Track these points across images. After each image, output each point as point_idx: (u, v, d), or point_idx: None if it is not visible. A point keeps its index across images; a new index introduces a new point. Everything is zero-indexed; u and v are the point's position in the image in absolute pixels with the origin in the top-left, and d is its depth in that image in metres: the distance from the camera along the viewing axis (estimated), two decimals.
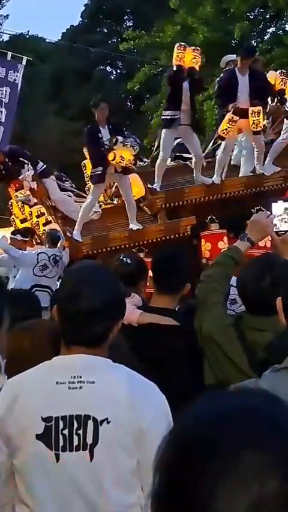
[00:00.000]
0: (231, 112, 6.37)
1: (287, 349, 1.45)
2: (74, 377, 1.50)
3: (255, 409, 0.62)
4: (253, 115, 6.50)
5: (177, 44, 6.65)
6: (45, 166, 7.43)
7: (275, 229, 2.71)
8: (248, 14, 11.74)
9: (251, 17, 12.07)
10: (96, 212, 7.20)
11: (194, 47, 6.78)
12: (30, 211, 7.47)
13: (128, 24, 18.66)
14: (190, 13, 11.84)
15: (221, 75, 7.30)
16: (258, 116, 6.57)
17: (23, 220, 7.80)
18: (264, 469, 0.55)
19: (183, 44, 6.64)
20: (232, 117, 6.36)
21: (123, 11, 20.28)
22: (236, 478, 0.54)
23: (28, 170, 7.38)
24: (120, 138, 6.22)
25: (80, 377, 1.49)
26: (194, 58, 6.47)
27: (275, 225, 2.78)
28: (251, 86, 6.51)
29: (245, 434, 0.57)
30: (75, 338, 1.55)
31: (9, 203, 8.20)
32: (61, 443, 1.45)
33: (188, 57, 6.46)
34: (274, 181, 7.18)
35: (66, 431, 1.46)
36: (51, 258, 6.18)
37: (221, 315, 2.30)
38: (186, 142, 6.86)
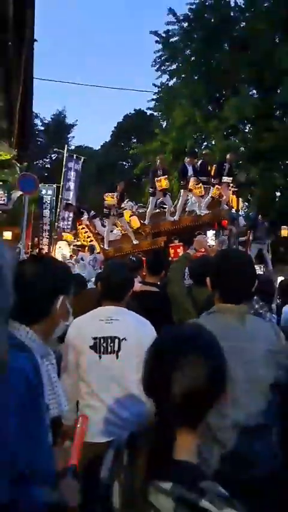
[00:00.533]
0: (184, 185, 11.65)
1: (212, 302, 2.20)
2: (108, 317, 2.66)
3: (192, 333, 1.20)
4: (195, 187, 11.37)
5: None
6: (94, 213, 14.31)
7: (208, 244, 4.57)
8: (193, 135, 20.64)
9: (195, 137, 20.96)
10: (117, 235, 13.21)
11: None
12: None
13: (133, 141, 29.08)
14: (165, 136, 21.02)
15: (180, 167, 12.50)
16: (199, 187, 11.38)
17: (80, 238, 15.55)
18: (196, 363, 1.11)
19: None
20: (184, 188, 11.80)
21: (131, 134, 37.36)
22: (182, 365, 1.09)
23: (85, 215, 14.39)
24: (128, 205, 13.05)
25: (111, 317, 2.66)
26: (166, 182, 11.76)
27: (207, 241, 4.75)
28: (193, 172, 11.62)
29: (187, 345, 1.14)
30: (109, 298, 2.74)
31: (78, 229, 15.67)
32: (102, 350, 2.60)
33: (163, 183, 11.61)
34: (206, 218, 11.64)
35: (104, 344, 2.60)
36: (93, 259, 11.89)
37: (180, 286, 3.68)
38: (164, 201, 12.49)
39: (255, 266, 3.74)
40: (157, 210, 12.94)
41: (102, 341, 2.61)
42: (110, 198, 11.86)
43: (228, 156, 12.03)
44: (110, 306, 2.72)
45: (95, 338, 2.62)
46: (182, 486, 1.01)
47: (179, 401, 1.08)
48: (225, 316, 2.09)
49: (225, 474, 1.90)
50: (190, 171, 11.74)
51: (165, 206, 12.58)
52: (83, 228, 14.62)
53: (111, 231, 13.09)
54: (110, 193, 11.96)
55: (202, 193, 11.65)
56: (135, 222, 12.86)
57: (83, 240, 14.71)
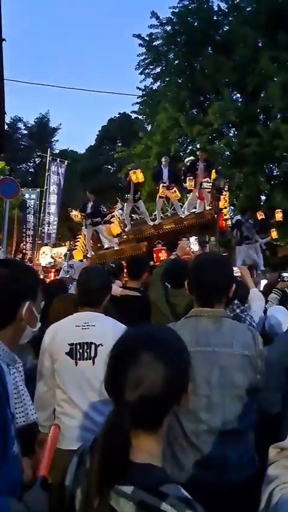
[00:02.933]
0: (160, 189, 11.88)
1: (191, 307, 2.20)
2: (85, 323, 2.63)
3: (152, 334, 1.20)
4: (170, 191, 11.81)
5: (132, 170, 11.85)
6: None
7: (191, 249, 5.18)
8: (178, 139, 20.70)
9: (180, 141, 21.03)
10: (116, 243, 12.82)
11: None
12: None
13: (118, 144, 29.21)
14: (149, 139, 21.01)
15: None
16: (174, 192, 11.90)
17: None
18: (152, 364, 1.08)
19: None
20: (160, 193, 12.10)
21: (116, 138, 37.09)
22: (137, 366, 1.08)
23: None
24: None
25: (88, 323, 2.62)
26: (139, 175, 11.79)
27: (190, 247, 5.18)
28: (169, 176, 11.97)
29: (146, 344, 1.13)
30: (86, 303, 2.72)
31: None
32: (78, 356, 2.58)
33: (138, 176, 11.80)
34: (190, 221, 12.25)
35: (80, 350, 2.58)
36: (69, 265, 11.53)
37: (159, 289, 3.68)
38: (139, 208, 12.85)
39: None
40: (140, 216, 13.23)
41: (78, 347, 2.58)
42: (76, 217, 12.42)
43: (199, 154, 12.23)
44: (87, 311, 2.70)
45: (71, 344, 2.59)
46: (143, 490, 0.99)
47: (133, 402, 1.05)
48: (202, 320, 2.08)
49: (201, 479, 1.89)
50: (165, 175, 11.90)
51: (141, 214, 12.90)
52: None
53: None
54: (74, 212, 12.44)
55: (178, 197, 11.88)
56: (116, 229, 12.96)
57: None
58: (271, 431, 2.41)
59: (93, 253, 12.76)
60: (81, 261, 12.49)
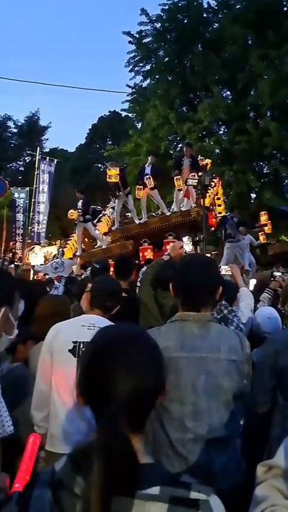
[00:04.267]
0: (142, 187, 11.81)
1: (176, 309, 2.14)
2: (91, 323, 2.65)
3: (127, 333, 1.12)
4: (146, 188, 11.70)
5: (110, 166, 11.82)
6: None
7: (183, 249, 4.20)
8: (168, 137, 20.64)
9: (170, 138, 20.97)
10: (109, 241, 12.81)
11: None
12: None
13: (108, 143, 28.96)
14: (139, 137, 20.93)
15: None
16: (150, 184, 11.55)
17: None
18: (139, 361, 1.03)
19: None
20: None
21: (106, 136, 37.45)
22: (129, 355, 1.03)
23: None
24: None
25: (94, 324, 2.63)
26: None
27: (183, 247, 4.25)
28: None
29: (121, 346, 1.06)
30: (98, 307, 2.80)
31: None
32: (80, 354, 2.56)
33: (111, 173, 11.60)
34: (175, 219, 12.06)
35: (83, 349, 2.54)
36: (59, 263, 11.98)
37: (149, 290, 3.62)
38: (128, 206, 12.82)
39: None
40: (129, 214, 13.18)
41: (81, 345, 2.57)
42: (72, 214, 12.22)
43: (184, 149, 12.02)
44: (95, 314, 2.74)
45: (75, 342, 2.59)
46: (168, 486, 0.96)
47: (126, 399, 0.99)
48: (187, 324, 2.02)
49: None
50: (147, 172, 11.74)
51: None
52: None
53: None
54: (72, 210, 12.28)
55: (152, 186, 11.56)
56: (103, 227, 12.92)
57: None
58: (258, 436, 2.38)
59: (82, 251, 12.64)
60: (71, 259, 12.46)
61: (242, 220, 11.88)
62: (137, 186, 11.95)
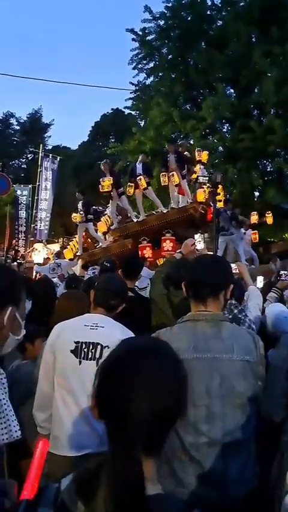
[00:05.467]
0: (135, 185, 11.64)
1: (184, 307, 2.16)
2: (94, 323, 2.59)
3: (148, 347, 1.04)
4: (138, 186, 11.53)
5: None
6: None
7: (196, 247, 4.40)
8: (171, 134, 20.51)
9: (173, 136, 20.80)
10: (111, 241, 12.64)
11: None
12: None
13: (111, 140, 28.83)
14: (142, 135, 20.81)
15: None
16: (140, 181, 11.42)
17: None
18: (162, 380, 0.95)
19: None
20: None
21: (109, 133, 37.07)
22: (148, 372, 0.95)
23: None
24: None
25: (97, 324, 2.58)
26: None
27: (195, 245, 4.30)
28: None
29: (150, 354, 1.00)
30: (102, 306, 2.69)
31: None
32: (83, 355, 2.50)
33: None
34: (172, 216, 11.79)
35: (85, 349, 2.51)
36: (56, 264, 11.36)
37: (160, 288, 3.56)
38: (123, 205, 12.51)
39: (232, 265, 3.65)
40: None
41: (83, 346, 2.51)
42: (77, 217, 12.19)
43: (167, 146, 12.05)
44: (99, 313, 2.67)
45: (77, 342, 2.52)
46: None
47: (143, 424, 0.91)
48: (199, 324, 1.96)
49: (201, 496, 1.77)
50: (139, 170, 11.67)
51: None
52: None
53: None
54: (75, 214, 12.25)
55: (143, 186, 11.45)
56: (103, 227, 12.84)
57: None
58: (273, 440, 2.31)
59: (82, 251, 12.57)
60: (71, 259, 12.32)
61: (233, 215, 11.85)
62: (129, 183, 11.90)
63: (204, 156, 12.70)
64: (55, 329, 2.64)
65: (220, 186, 12.24)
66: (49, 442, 2.50)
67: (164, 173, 11.52)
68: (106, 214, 13.82)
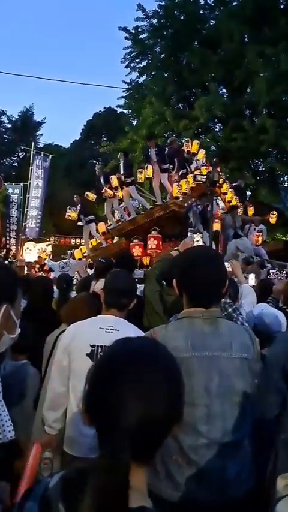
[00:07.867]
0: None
1: (177, 306, 2.16)
2: (109, 326, 2.57)
3: (141, 350, 0.99)
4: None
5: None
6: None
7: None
8: (164, 133, 20.45)
9: (166, 135, 20.69)
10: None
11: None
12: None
13: (104, 139, 28.76)
14: (135, 134, 20.79)
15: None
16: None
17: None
18: (157, 383, 0.90)
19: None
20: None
21: (101, 132, 36.96)
22: (141, 376, 0.90)
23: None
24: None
25: (112, 327, 2.56)
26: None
27: (194, 243, 4.28)
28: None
29: (132, 363, 0.93)
30: (113, 305, 2.67)
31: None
32: (98, 358, 2.35)
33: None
34: (157, 212, 11.65)
35: (102, 353, 2.46)
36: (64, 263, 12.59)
37: (154, 286, 3.57)
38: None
39: None
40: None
41: (100, 349, 2.50)
42: (73, 214, 12.68)
43: (147, 142, 12.14)
44: (113, 314, 2.65)
45: (93, 346, 2.52)
46: None
47: (134, 426, 0.86)
48: (196, 321, 1.90)
49: (199, 497, 1.73)
50: (120, 170, 12.01)
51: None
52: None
53: None
54: (72, 208, 12.70)
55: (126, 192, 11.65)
56: (102, 227, 12.97)
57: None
58: (267, 438, 2.28)
59: (89, 252, 12.76)
60: (80, 259, 12.51)
61: (204, 211, 11.36)
62: (138, 170, 11.97)
63: (200, 155, 12.98)
64: (69, 331, 2.64)
65: (230, 191, 12.17)
66: (64, 441, 2.61)
67: (141, 170, 11.64)
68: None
